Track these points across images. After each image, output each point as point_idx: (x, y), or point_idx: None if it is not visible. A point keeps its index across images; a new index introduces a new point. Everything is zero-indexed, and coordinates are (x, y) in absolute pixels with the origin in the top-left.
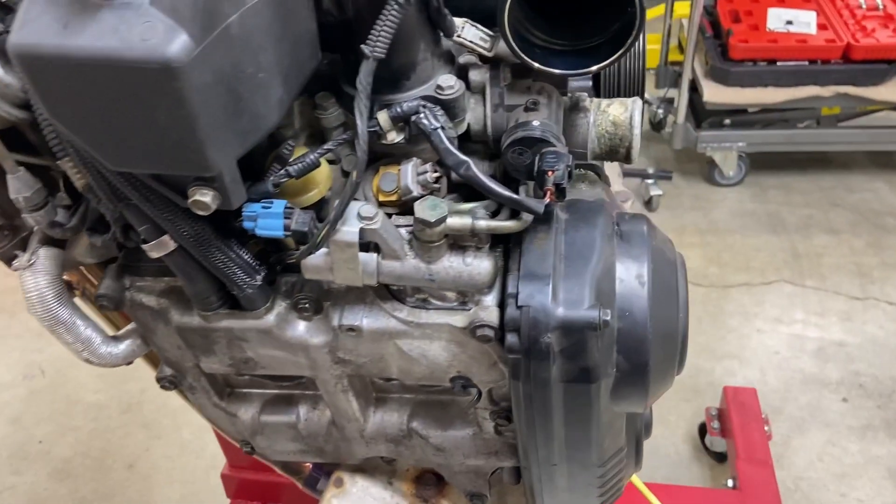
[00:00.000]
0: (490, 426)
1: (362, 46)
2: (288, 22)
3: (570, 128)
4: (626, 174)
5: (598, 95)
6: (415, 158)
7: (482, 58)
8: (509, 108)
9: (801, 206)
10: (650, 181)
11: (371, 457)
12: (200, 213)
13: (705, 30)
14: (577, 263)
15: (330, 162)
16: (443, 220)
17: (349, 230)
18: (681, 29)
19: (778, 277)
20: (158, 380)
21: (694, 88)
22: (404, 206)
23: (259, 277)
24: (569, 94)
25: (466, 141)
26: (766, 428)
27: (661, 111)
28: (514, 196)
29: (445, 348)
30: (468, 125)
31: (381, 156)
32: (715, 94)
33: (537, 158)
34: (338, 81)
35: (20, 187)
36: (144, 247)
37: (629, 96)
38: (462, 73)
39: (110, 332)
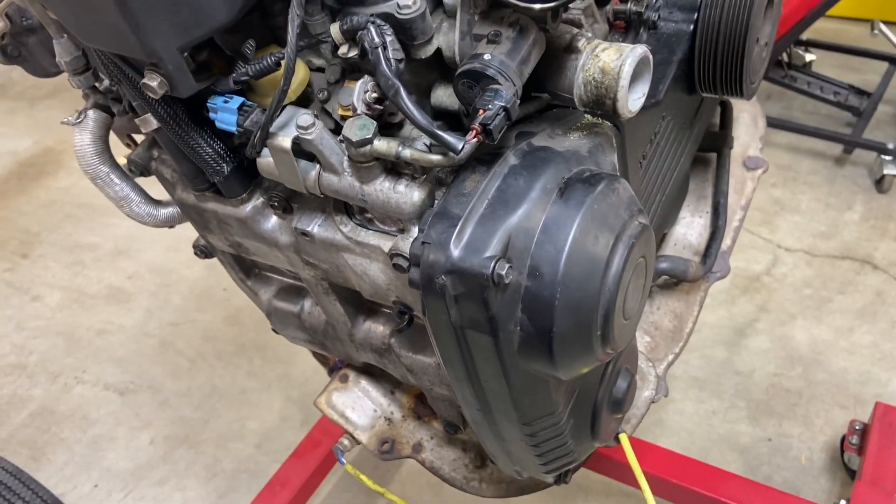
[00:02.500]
0: None
1: None
2: None
3: (558, 69)
4: (859, 146)
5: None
6: (366, 77)
7: None
8: (477, 37)
9: None
10: (887, 157)
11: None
12: (150, 94)
13: None
14: (497, 211)
15: (318, 69)
16: (366, 141)
17: (283, 136)
18: None
19: None
20: (194, 247)
21: None
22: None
23: (227, 167)
24: (567, 34)
25: (442, 66)
26: None
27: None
28: (434, 129)
29: (383, 271)
30: (440, 50)
31: (355, 69)
32: None
33: (478, 93)
34: None
35: (62, 52)
36: (136, 120)
37: (729, 93)
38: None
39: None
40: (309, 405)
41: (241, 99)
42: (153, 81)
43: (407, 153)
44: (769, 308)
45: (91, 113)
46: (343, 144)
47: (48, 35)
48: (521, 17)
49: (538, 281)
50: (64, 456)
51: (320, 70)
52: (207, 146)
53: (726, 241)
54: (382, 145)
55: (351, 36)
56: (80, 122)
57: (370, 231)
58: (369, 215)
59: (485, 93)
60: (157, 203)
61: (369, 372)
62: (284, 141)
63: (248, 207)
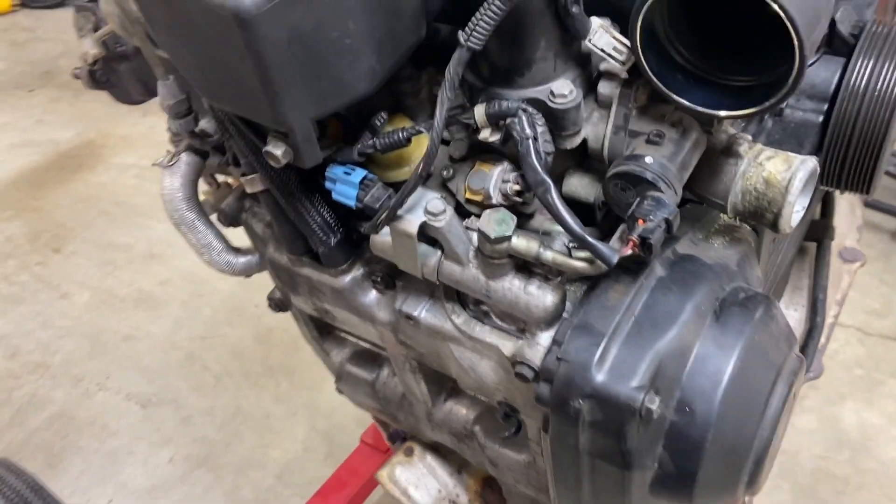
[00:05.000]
0: (543, 463)
1: (459, 32)
2: None
3: (714, 173)
4: None
5: (821, 180)
6: (506, 163)
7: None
8: (633, 133)
9: None
10: None
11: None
12: (272, 163)
13: None
14: (645, 331)
15: (443, 142)
16: (505, 238)
17: (410, 220)
18: None
19: None
20: (268, 299)
21: None
22: (485, 207)
23: (333, 238)
24: (723, 133)
25: (585, 157)
26: None
27: None
28: (587, 237)
29: (494, 369)
30: (586, 141)
31: (485, 149)
32: None
33: (636, 201)
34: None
35: (166, 94)
36: (242, 179)
37: (854, 189)
38: (595, 82)
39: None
40: (334, 437)
41: (364, 172)
42: (277, 150)
43: (549, 256)
44: (818, 385)
45: (185, 156)
46: (469, 231)
47: (140, 63)
48: (685, 117)
49: (688, 417)
50: (80, 466)
51: (443, 142)
52: (317, 215)
53: (821, 339)
54: (521, 244)
55: (496, 120)
56: (172, 165)
57: (486, 327)
58: (485, 307)
59: (644, 199)
60: (237, 251)
61: (435, 447)
62: (410, 225)
63: (348, 279)
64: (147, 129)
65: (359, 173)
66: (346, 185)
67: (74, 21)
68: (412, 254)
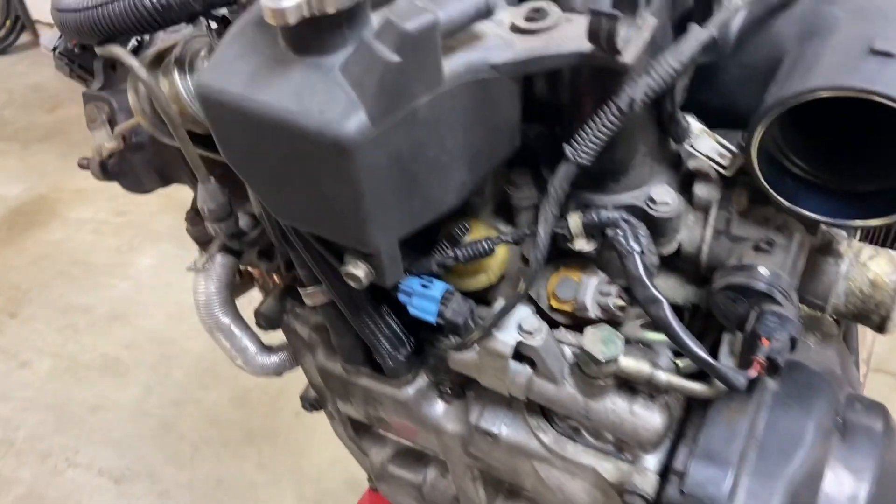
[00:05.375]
0: None
1: (566, 147)
2: (487, 109)
3: (813, 272)
4: None
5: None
6: (601, 273)
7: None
8: (735, 239)
9: None
10: None
11: None
12: (352, 284)
13: None
14: (772, 458)
15: (515, 242)
16: (614, 360)
17: (504, 341)
18: None
19: None
20: (302, 399)
21: None
22: (576, 320)
23: (403, 352)
24: (825, 232)
25: (673, 256)
26: None
27: None
28: (712, 361)
29: (587, 491)
30: (680, 245)
31: (565, 252)
32: None
33: (753, 315)
34: (538, 157)
35: (207, 198)
36: (300, 290)
37: None
38: (686, 182)
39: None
40: None
41: (445, 285)
42: (359, 271)
43: (662, 378)
44: None
45: (219, 258)
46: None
47: (157, 152)
48: (789, 220)
49: None
50: None
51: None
52: (387, 329)
53: None
54: (631, 365)
55: (594, 231)
56: (206, 269)
57: (579, 446)
58: (573, 422)
59: (764, 315)
60: (269, 350)
61: None
62: (504, 346)
63: (412, 390)
64: (102, 183)
65: (438, 287)
66: (424, 299)
67: (86, 112)
68: (501, 373)
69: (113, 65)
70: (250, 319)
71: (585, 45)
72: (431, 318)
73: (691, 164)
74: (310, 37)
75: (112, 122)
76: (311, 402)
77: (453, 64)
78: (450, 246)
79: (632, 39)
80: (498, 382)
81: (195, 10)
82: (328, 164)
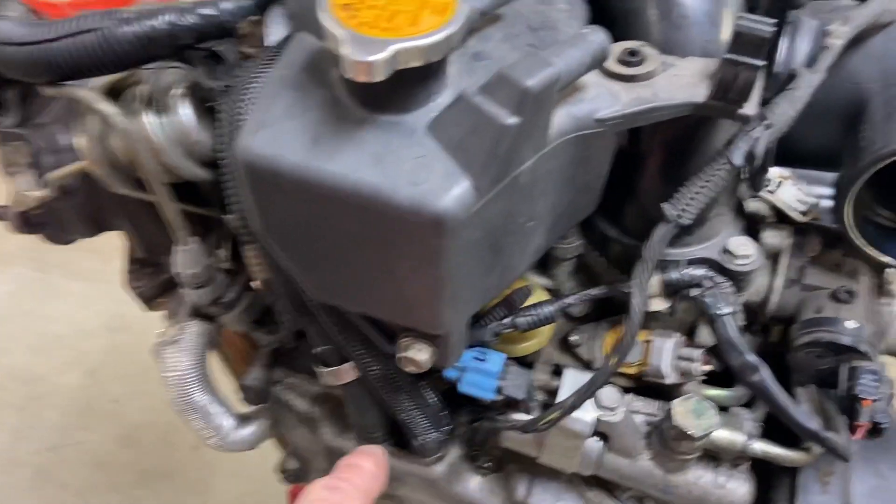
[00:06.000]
0: None
1: (666, 206)
2: (582, 166)
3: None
4: None
5: None
6: (677, 335)
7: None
8: (809, 288)
9: None
10: None
11: None
12: (407, 369)
13: None
14: None
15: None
16: (710, 433)
17: (582, 420)
18: None
19: None
20: (282, 472)
21: None
22: (640, 382)
23: (444, 430)
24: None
25: None
26: None
27: None
28: (822, 433)
29: None
30: None
31: (619, 306)
32: None
33: (844, 372)
34: None
35: (187, 262)
36: (318, 370)
37: None
38: (750, 227)
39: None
40: None
41: (502, 356)
42: (422, 356)
43: (757, 448)
44: None
45: (193, 326)
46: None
47: (87, 197)
48: (859, 265)
49: None
50: None
51: (551, 292)
52: (426, 406)
53: None
54: (725, 437)
55: (674, 291)
56: (178, 340)
57: None
58: (639, 493)
59: (863, 375)
60: (244, 420)
61: None
62: (583, 425)
63: (443, 468)
64: None
65: (495, 359)
66: (480, 374)
67: (3, 155)
68: (573, 451)
69: (25, 95)
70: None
71: (699, 94)
72: (488, 395)
73: (751, 207)
74: (388, 91)
75: (35, 166)
76: (295, 473)
77: (558, 119)
78: (507, 313)
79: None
80: (565, 461)
81: (182, 44)
82: (413, 244)
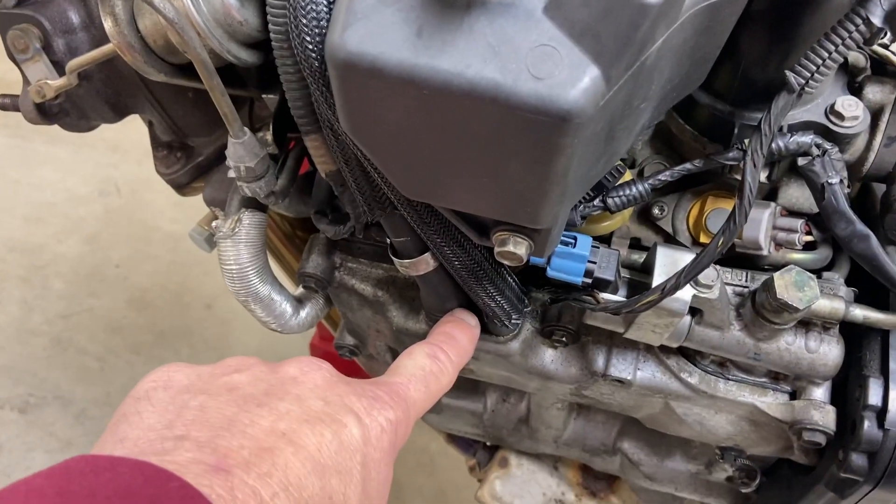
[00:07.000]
0: (722, 473)
1: (790, 74)
2: (704, 38)
3: None
4: None
5: None
6: (772, 205)
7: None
8: None
9: None
10: None
11: None
12: (505, 262)
13: None
14: None
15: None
16: (812, 304)
17: (682, 299)
18: None
19: None
20: (338, 347)
21: None
22: (727, 253)
23: (524, 314)
24: None
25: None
26: None
27: None
28: None
29: (733, 423)
30: None
31: (703, 176)
32: None
33: None
34: None
35: (244, 155)
36: (396, 262)
37: None
38: (849, 81)
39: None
40: None
41: (589, 239)
42: (520, 249)
43: (858, 314)
44: None
45: (247, 217)
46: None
47: (105, 81)
48: None
49: None
50: None
51: (625, 161)
52: (509, 292)
53: None
54: (826, 306)
55: (779, 158)
56: (233, 233)
57: (731, 383)
58: (718, 358)
59: None
60: (300, 304)
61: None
62: (678, 304)
63: (518, 344)
64: None
65: (583, 242)
66: (568, 258)
67: (9, 40)
68: (664, 328)
69: None
70: None
71: None
72: (577, 280)
73: (853, 59)
74: None
75: (48, 50)
76: (350, 349)
77: None
78: (596, 193)
79: None
80: (654, 337)
81: None
82: (532, 141)
